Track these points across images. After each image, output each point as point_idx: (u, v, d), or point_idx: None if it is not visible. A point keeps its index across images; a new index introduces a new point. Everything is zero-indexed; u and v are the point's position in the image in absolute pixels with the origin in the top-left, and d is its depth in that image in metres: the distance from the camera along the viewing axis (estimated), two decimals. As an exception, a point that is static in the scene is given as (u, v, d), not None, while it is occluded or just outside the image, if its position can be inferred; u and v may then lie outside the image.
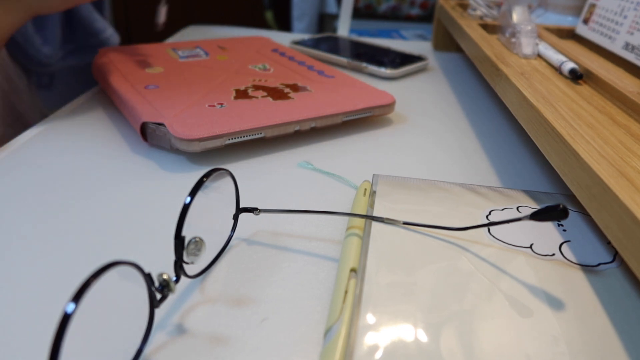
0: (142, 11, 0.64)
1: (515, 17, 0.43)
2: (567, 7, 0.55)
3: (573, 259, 0.23)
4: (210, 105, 0.36)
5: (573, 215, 0.26)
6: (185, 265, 0.20)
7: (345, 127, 0.39)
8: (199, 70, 0.44)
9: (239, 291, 0.22)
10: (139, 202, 0.28)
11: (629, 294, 0.21)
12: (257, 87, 0.40)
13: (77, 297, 0.14)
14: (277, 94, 0.39)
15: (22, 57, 0.48)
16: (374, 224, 0.25)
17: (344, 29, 0.69)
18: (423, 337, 0.18)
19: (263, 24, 1.59)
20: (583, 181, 0.23)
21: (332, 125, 0.38)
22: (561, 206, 0.20)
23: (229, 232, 0.25)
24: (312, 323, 0.21)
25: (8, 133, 0.43)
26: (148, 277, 0.18)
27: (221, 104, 0.36)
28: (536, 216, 0.21)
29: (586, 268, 0.22)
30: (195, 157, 0.33)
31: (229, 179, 0.24)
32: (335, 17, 1.48)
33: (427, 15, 1.51)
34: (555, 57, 0.38)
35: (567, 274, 0.22)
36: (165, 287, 0.19)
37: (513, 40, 0.42)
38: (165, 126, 0.32)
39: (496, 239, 0.24)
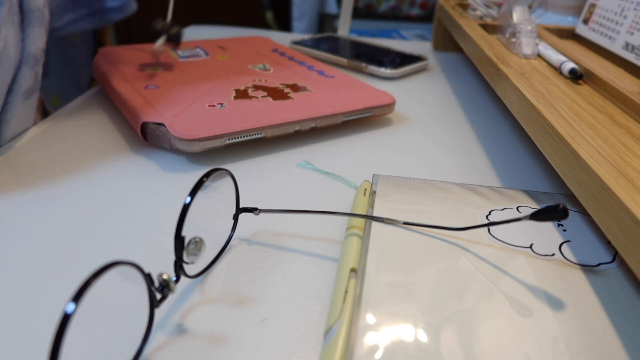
0: (143, 11, 0.64)
1: (515, 17, 0.43)
2: (567, 7, 0.55)
3: (573, 259, 0.23)
4: (210, 105, 0.36)
5: (573, 215, 0.26)
6: (185, 265, 0.20)
7: (345, 127, 0.39)
8: (199, 70, 0.44)
9: (239, 291, 0.22)
10: (139, 202, 0.28)
11: (629, 294, 0.21)
12: (257, 87, 0.40)
13: (77, 297, 0.14)
14: (277, 94, 0.39)
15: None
16: (374, 224, 0.25)
17: (344, 29, 0.69)
18: (423, 337, 0.18)
19: (263, 24, 1.59)
20: (583, 181, 0.23)
21: (332, 125, 0.38)
22: (561, 206, 0.20)
23: (229, 232, 0.25)
24: (312, 323, 0.21)
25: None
26: (148, 277, 0.18)
27: (221, 104, 0.36)
28: (536, 216, 0.21)
29: (586, 268, 0.22)
30: (195, 157, 0.33)
31: (229, 179, 0.24)
32: (335, 17, 1.48)
33: (427, 15, 1.51)
34: (555, 57, 0.38)
35: (567, 274, 0.22)
36: (165, 287, 0.19)
37: (513, 40, 0.42)
38: (165, 126, 0.32)
39: (496, 239, 0.24)
